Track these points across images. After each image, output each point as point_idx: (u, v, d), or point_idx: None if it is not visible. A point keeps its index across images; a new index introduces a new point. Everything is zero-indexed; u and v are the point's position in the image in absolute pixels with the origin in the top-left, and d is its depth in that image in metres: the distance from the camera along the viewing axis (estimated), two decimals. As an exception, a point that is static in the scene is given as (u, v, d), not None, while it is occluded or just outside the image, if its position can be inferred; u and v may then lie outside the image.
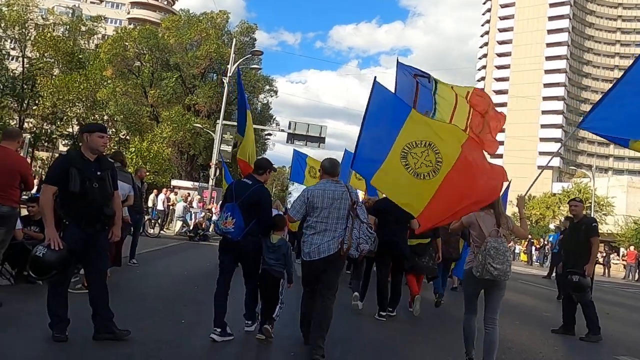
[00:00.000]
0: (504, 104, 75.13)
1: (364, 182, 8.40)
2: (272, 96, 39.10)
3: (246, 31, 36.69)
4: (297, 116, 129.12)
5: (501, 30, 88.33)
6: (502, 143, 70.13)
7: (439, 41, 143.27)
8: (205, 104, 33.25)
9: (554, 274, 14.39)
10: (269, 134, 40.74)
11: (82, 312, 4.03)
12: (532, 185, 5.56)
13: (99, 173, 4.03)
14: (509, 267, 4.19)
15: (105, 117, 33.26)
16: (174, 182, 27.89)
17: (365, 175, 5.32)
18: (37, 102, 32.93)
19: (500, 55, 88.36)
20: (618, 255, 37.21)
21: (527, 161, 67.90)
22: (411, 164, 4.68)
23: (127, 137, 34.80)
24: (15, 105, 33.60)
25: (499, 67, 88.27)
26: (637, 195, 51.86)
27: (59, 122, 34.60)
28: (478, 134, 7.65)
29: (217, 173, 25.72)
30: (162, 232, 16.96)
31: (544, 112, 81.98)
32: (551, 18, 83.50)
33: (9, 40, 34.33)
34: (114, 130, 34.39)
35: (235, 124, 26.03)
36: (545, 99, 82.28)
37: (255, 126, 17.09)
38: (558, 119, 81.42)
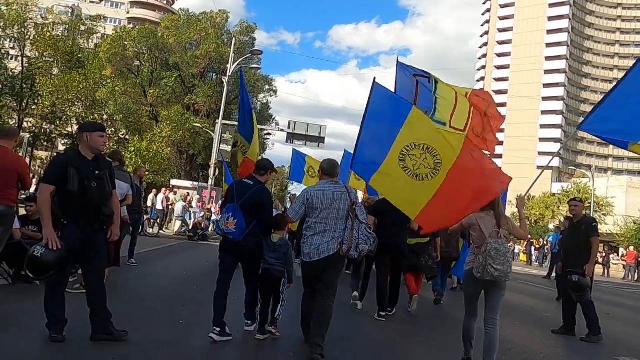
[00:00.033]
0: (503, 104, 75.11)
1: (363, 183, 8.38)
2: (271, 96, 39.18)
3: (246, 31, 36.67)
4: (296, 116, 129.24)
5: (501, 31, 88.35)
6: (501, 143, 70.14)
7: (438, 41, 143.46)
8: (204, 103, 33.23)
9: (553, 274, 14.38)
10: (269, 134, 40.70)
11: (80, 313, 4.01)
12: (532, 186, 5.55)
13: (97, 172, 4.01)
14: (509, 268, 4.19)
15: (105, 117, 33.21)
16: (174, 182, 27.86)
17: (364, 176, 5.33)
18: (36, 101, 32.90)
19: (499, 55, 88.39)
20: (617, 255, 37.19)
21: (527, 161, 67.89)
22: (409, 166, 4.69)
23: (127, 137, 34.78)
24: (15, 104, 33.56)
25: (499, 67, 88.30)
26: (637, 195, 51.89)
27: (58, 122, 34.57)
28: (480, 134, 7.63)
29: (217, 173, 25.70)
30: (161, 231, 16.94)
31: (543, 112, 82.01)
32: (551, 18, 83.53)
33: (8, 40, 34.28)
34: (113, 129, 34.35)
35: (235, 123, 26.17)
36: (544, 99, 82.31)
37: (254, 126, 17.01)
38: (557, 119, 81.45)
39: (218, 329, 4.44)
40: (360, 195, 9.35)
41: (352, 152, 5.32)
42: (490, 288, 4.32)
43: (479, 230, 4.38)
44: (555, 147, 75.84)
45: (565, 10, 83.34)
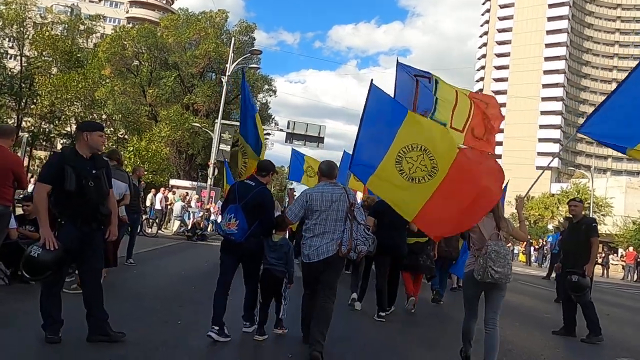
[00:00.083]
0: (502, 105, 74.50)
1: (362, 183, 8.36)
2: (270, 96, 39.15)
3: (245, 30, 36.64)
4: (295, 116, 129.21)
5: (500, 31, 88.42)
6: (500, 143, 70.31)
7: (438, 41, 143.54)
8: (203, 103, 33.20)
9: (553, 275, 14.36)
10: (268, 134, 40.64)
11: (76, 313, 3.97)
12: (531, 187, 5.54)
13: (94, 171, 3.97)
14: (510, 270, 4.19)
15: (104, 116, 33.15)
16: (173, 182, 27.83)
17: (361, 177, 5.36)
18: (35, 101, 32.82)
19: (499, 55, 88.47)
20: (616, 255, 37.21)
21: (526, 161, 67.98)
22: (405, 169, 4.71)
23: (126, 137, 34.73)
24: (13, 104, 33.47)
25: (498, 68, 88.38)
26: (636, 195, 51.92)
27: (57, 121, 34.50)
28: (483, 136, 7.61)
29: (216, 172, 25.68)
30: (159, 231, 16.90)
31: (542, 113, 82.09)
32: (550, 19, 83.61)
33: (7, 39, 34.21)
34: (112, 129, 34.31)
35: (234, 123, 26.19)
36: (544, 99, 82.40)
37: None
38: (557, 120, 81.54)
39: (217, 328, 4.42)
40: (360, 195, 9.33)
41: (351, 153, 5.32)
42: (491, 289, 4.32)
43: (478, 233, 4.38)
44: (554, 147, 75.87)
45: (564, 10, 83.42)
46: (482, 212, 4.43)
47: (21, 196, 7.79)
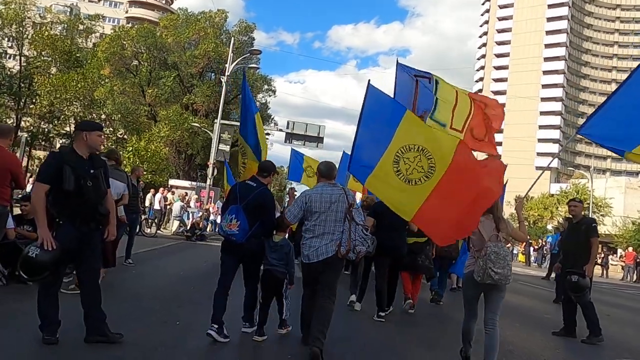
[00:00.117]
0: (502, 105, 75.09)
1: (361, 184, 8.34)
2: (270, 96, 39.11)
3: (244, 30, 36.63)
4: (295, 116, 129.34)
5: (500, 31, 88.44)
6: (500, 144, 70.23)
7: (437, 42, 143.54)
8: (203, 103, 33.16)
9: (552, 275, 14.34)
10: (267, 134, 40.56)
11: (73, 314, 3.95)
12: (531, 187, 5.53)
13: (92, 171, 3.94)
14: (509, 271, 4.20)
15: (103, 116, 33.09)
16: (172, 182, 27.80)
17: (360, 178, 5.37)
18: (34, 100, 32.75)
19: (498, 56, 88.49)
20: (616, 256, 37.20)
21: (525, 162, 67.94)
22: (402, 170, 4.72)
23: (125, 136, 34.66)
24: (12, 103, 33.39)
25: (498, 68, 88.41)
26: (635, 196, 51.92)
27: (56, 121, 34.39)
28: (484, 137, 7.60)
29: (215, 173, 25.65)
30: (159, 231, 16.87)
31: (542, 113, 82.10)
32: (550, 19, 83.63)
33: (6, 39, 34.13)
34: (111, 129, 34.23)
35: (233, 123, 26.17)
36: (543, 99, 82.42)
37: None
38: (556, 120, 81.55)
39: (216, 326, 4.41)
40: (359, 195, 9.32)
41: (350, 153, 5.33)
42: (490, 290, 4.32)
43: (478, 234, 4.38)
44: (553, 147, 75.87)
45: (564, 11, 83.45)
46: (482, 211, 4.43)
47: (19, 196, 7.76)
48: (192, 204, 20.27)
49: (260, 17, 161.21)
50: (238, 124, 10.75)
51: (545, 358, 5.56)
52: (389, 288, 6.62)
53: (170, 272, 8.87)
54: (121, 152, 25.36)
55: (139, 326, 4.64)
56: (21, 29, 32.73)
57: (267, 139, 41.60)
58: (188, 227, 17.31)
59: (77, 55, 34.22)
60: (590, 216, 27.33)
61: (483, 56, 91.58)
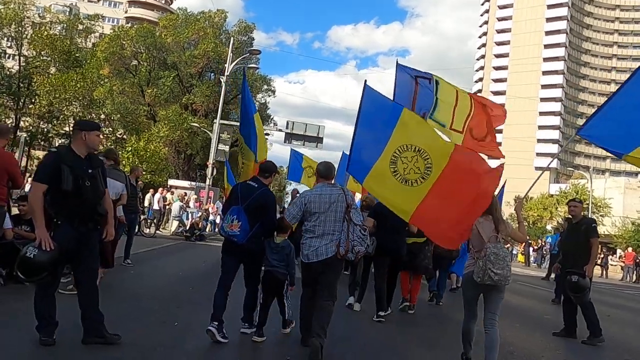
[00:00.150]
0: (501, 105, 75.08)
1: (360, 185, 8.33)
2: (269, 96, 39.11)
3: (244, 30, 36.62)
4: (295, 116, 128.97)
5: (499, 32, 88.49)
6: (499, 144, 70.10)
7: (437, 42, 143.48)
8: (202, 103, 33.14)
9: (552, 275, 14.33)
10: (267, 134, 40.57)
11: (71, 314, 3.92)
12: (530, 188, 5.53)
13: (90, 171, 3.92)
14: (509, 272, 4.20)
15: (102, 116, 33.06)
16: (171, 182, 27.76)
17: (358, 178, 5.38)
18: (33, 100, 32.71)
19: (498, 56, 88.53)
20: (615, 256, 37.22)
21: (525, 162, 67.94)
22: (400, 170, 4.73)
23: (124, 136, 34.63)
24: (12, 103, 33.35)
25: (497, 68, 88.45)
26: (634, 196, 51.91)
27: (55, 121, 34.34)
28: (483, 137, 7.58)
29: (214, 173, 25.62)
30: (158, 232, 16.85)
31: (541, 114, 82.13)
32: (549, 19, 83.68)
33: (6, 38, 34.08)
34: (110, 129, 34.22)
35: (233, 123, 26.14)
36: (542, 100, 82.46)
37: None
38: (555, 120, 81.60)
39: (216, 323, 4.40)
40: (358, 196, 9.31)
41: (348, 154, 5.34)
42: (490, 291, 4.33)
43: (477, 235, 4.38)
44: (553, 148, 75.90)
45: (563, 11, 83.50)
46: (482, 211, 4.42)
47: (22, 195, 7.73)
48: (191, 204, 20.23)
49: (259, 17, 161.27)
50: (237, 124, 10.72)
51: (546, 359, 5.55)
52: (387, 288, 6.61)
53: (169, 273, 8.85)
54: (120, 152, 25.39)
55: (138, 326, 4.63)
56: (20, 28, 32.71)
57: (267, 139, 41.71)
58: (187, 227, 17.30)
59: (77, 55, 34.20)
60: (589, 216, 27.34)
61: (482, 56, 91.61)
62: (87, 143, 3.94)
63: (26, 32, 33.02)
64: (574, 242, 6.69)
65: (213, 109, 30.99)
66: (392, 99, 7.01)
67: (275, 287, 4.77)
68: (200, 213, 19.57)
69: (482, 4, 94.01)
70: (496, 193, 4.95)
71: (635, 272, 27.86)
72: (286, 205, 6.49)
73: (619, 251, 38.90)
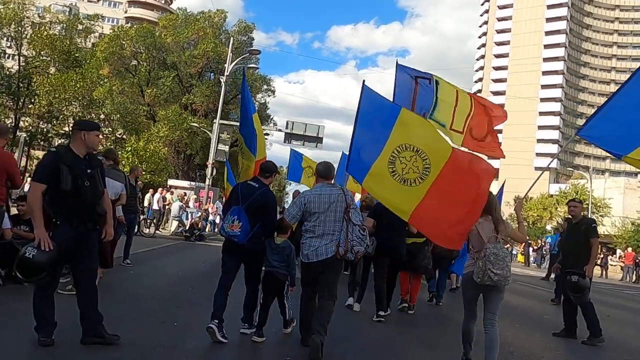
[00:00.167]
0: (501, 105, 75.10)
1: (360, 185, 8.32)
2: (269, 96, 39.12)
3: (244, 30, 36.62)
4: (294, 116, 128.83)
5: (499, 32, 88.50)
6: (500, 144, 70.20)
7: (437, 42, 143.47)
8: (202, 103, 33.14)
9: (552, 275, 14.33)
10: (267, 134, 40.59)
11: (69, 314, 3.91)
12: (530, 188, 5.52)
13: (89, 171, 3.91)
14: (508, 272, 4.20)
15: (102, 116, 33.07)
16: (171, 182, 27.75)
17: (357, 177, 5.38)
18: (33, 100, 32.72)
19: (498, 56, 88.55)
20: (615, 256, 37.23)
21: (524, 162, 67.96)
22: (398, 170, 4.73)
23: (124, 136, 34.63)
24: (11, 103, 33.37)
25: (497, 69, 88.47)
26: (634, 196, 51.93)
27: (55, 121, 34.36)
28: (483, 137, 7.57)
29: (214, 173, 25.61)
30: (157, 232, 16.84)
31: (541, 114, 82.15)
32: (549, 19, 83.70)
33: (5, 38, 34.10)
34: (110, 129, 34.22)
35: (233, 123, 26.13)
36: (542, 100, 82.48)
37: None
38: (555, 120, 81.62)
39: (217, 321, 4.40)
40: (358, 196, 9.30)
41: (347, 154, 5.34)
42: (490, 291, 4.32)
43: (477, 236, 4.38)
44: (553, 148, 75.92)
45: (563, 11, 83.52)
46: (479, 210, 4.42)
47: (22, 194, 7.72)
48: (190, 204, 20.22)
49: (259, 17, 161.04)
50: (237, 124, 10.72)
51: (546, 359, 5.53)
52: (387, 288, 6.61)
53: (169, 273, 8.84)
54: (120, 152, 25.38)
55: (137, 326, 4.62)
56: (20, 28, 32.74)
57: (266, 139, 41.73)
58: (187, 228, 17.29)
59: (76, 55, 34.22)
60: (589, 217, 27.34)
61: (482, 56, 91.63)
62: (86, 143, 3.93)
63: (26, 32, 33.04)
64: (574, 242, 6.68)
65: (213, 109, 31.00)
66: (392, 99, 7.01)
67: (276, 287, 4.78)
68: (199, 213, 19.56)
69: (482, 4, 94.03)
70: (496, 193, 4.95)
71: (635, 272, 27.86)
72: (286, 206, 6.48)
73: (618, 251, 38.90)
